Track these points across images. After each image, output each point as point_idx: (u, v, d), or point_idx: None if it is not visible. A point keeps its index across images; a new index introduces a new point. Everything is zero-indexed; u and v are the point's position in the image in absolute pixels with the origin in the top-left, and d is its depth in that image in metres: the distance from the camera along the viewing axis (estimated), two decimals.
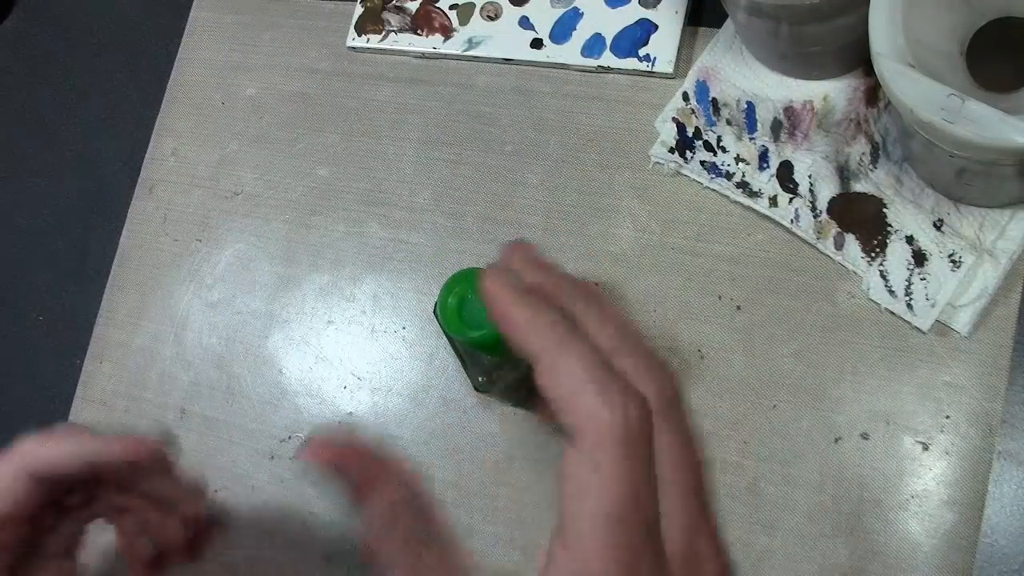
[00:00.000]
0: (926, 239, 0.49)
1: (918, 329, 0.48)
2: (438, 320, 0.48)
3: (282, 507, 0.56)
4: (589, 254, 0.55)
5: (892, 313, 0.49)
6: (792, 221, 0.51)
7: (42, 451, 0.38)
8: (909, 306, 0.48)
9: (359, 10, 0.63)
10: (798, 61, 0.51)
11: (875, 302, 0.49)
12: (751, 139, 0.53)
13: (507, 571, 0.51)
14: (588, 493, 0.25)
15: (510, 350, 0.42)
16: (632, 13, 0.57)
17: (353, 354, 0.58)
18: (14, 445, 0.38)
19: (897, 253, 0.49)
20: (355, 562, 0.54)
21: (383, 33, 0.62)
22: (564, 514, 0.25)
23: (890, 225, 0.49)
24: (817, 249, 0.51)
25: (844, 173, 0.51)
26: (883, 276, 0.49)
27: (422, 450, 0.55)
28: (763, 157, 0.52)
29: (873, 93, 0.51)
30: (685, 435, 0.27)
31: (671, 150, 0.54)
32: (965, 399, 0.47)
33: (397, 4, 0.63)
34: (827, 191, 0.51)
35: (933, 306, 0.48)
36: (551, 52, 0.58)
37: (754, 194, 0.52)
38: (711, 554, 0.26)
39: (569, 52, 0.58)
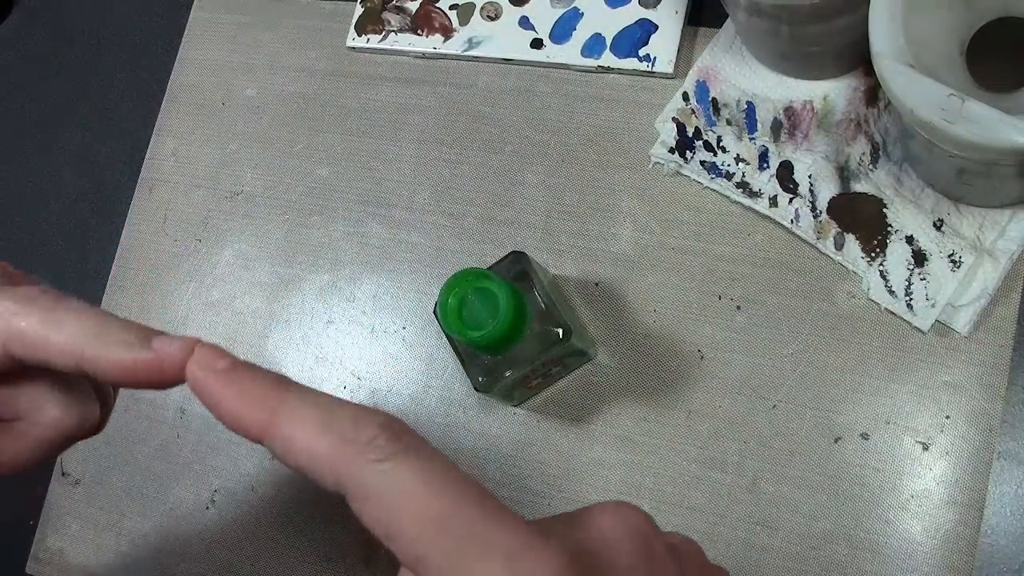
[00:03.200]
0: (926, 239, 0.49)
1: (918, 329, 0.48)
2: (438, 320, 0.48)
3: (282, 507, 0.56)
4: (589, 254, 0.55)
5: (892, 313, 0.49)
6: (792, 221, 0.51)
7: (35, 328, 0.29)
8: (909, 306, 0.48)
9: (359, 10, 0.63)
10: (798, 61, 0.51)
11: (875, 302, 0.49)
12: (751, 139, 0.53)
13: None
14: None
15: (509, 350, 0.42)
16: (632, 13, 0.57)
17: (353, 354, 0.58)
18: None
19: (897, 253, 0.49)
20: (355, 562, 0.54)
21: (383, 33, 0.62)
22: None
23: (890, 225, 0.49)
24: (817, 249, 0.51)
25: (844, 173, 0.51)
26: (883, 276, 0.49)
27: None
28: (763, 157, 0.52)
29: (873, 93, 0.51)
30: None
31: (671, 150, 0.54)
32: (965, 399, 0.47)
33: (397, 4, 0.63)
34: (827, 191, 0.51)
35: (933, 306, 0.48)
36: (551, 52, 0.58)
37: (754, 194, 0.52)
38: None
39: (569, 52, 0.58)
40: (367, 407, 0.26)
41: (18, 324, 0.29)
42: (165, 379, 0.28)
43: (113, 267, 0.65)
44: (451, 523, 0.23)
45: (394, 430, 0.25)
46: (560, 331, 0.47)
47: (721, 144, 0.53)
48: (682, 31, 0.56)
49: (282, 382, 0.26)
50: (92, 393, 0.34)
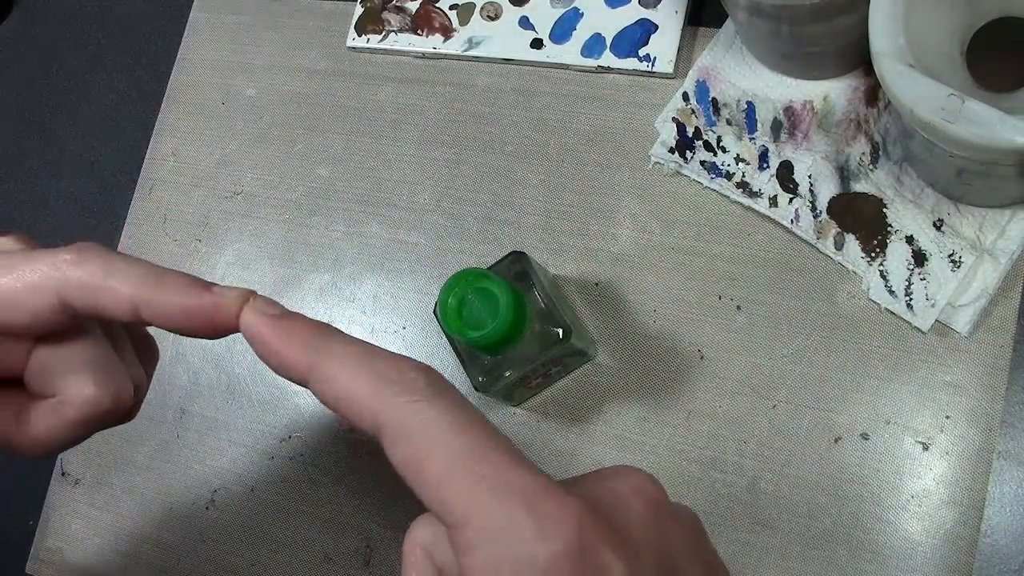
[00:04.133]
0: (926, 239, 0.49)
1: (918, 329, 0.48)
2: (438, 320, 0.48)
3: (282, 507, 0.56)
4: (589, 254, 0.55)
5: (892, 313, 0.49)
6: (792, 221, 0.51)
7: (92, 274, 0.30)
8: (909, 306, 0.48)
9: (359, 10, 0.63)
10: (798, 61, 0.51)
11: (875, 302, 0.49)
12: (751, 139, 0.53)
13: None
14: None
15: (509, 350, 0.42)
16: (632, 13, 0.57)
17: None
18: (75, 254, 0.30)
19: (897, 253, 0.49)
20: (355, 562, 0.54)
21: (383, 33, 0.62)
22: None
23: (890, 225, 0.49)
24: (817, 249, 0.51)
25: (844, 173, 0.51)
26: (883, 276, 0.49)
27: None
28: (763, 157, 0.52)
29: (873, 93, 0.51)
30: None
31: (671, 150, 0.54)
32: (965, 399, 0.47)
33: (397, 4, 0.63)
34: (827, 191, 0.51)
35: (933, 306, 0.48)
36: (551, 52, 0.58)
37: (754, 194, 0.52)
38: None
39: (569, 52, 0.58)
40: (405, 356, 0.27)
41: (75, 272, 0.30)
42: (220, 325, 0.29)
43: None
44: (476, 463, 0.24)
45: (430, 375, 0.26)
46: (560, 331, 0.47)
47: (721, 144, 0.53)
48: (682, 31, 0.56)
49: (326, 328, 0.28)
50: (126, 373, 0.34)
